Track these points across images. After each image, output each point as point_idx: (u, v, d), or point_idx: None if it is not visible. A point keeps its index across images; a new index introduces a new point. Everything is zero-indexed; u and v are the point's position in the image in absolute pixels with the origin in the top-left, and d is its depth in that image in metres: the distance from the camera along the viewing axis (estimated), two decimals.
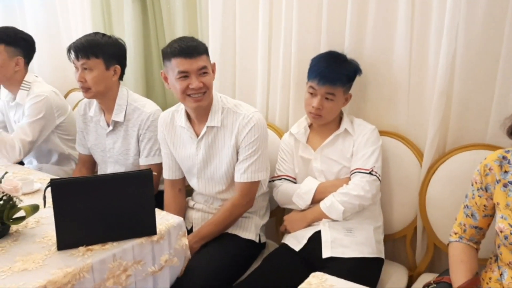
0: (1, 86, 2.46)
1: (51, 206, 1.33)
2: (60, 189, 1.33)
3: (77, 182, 1.37)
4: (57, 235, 1.35)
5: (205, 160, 1.83)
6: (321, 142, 1.89)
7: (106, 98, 2.08)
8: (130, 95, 2.14)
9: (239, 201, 1.80)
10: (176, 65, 1.68)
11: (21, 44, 2.29)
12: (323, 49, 1.96)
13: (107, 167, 2.22)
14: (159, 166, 2.12)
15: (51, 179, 1.33)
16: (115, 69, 2.05)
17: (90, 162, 2.33)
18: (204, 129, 1.79)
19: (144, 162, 2.10)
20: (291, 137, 1.96)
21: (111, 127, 2.11)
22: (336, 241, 1.70)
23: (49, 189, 1.32)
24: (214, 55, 2.22)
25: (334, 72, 1.77)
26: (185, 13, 2.38)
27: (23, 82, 2.33)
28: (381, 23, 1.85)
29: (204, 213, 1.92)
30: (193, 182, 1.92)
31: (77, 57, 1.98)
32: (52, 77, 3.04)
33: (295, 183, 1.93)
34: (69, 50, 2.01)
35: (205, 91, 1.72)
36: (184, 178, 1.98)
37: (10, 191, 1.39)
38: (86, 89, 2.02)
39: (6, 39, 2.23)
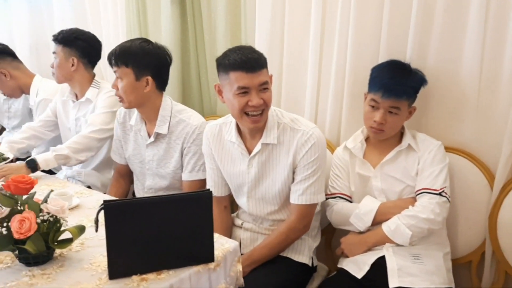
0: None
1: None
2: (114, 212, 1.20)
3: (133, 204, 1.23)
4: (109, 263, 1.22)
5: (257, 178, 1.68)
6: (379, 158, 1.75)
7: (145, 108, 1.97)
8: (174, 105, 2.01)
9: (296, 225, 1.66)
10: (235, 79, 1.53)
11: (77, 45, 2.26)
12: (382, 57, 1.82)
13: (145, 179, 2.09)
14: (203, 182, 1.99)
15: (104, 201, 1.20)
16: (147, 80, 1.89)
17: (127, 173, 2.21)
18: (259, 146, 1.64)
19: (188, 177, 1.97)
20: (345, 151, 1.82)
21: (152, 139, 1.98)
22: (403, 269, 1.55)
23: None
24: None
25: (399, 84, 1.63)
26: (227, 18, 2.24)
27: (94, 81, 2.33)
28: (449, 28, 1.70)
29: (253, 233, 1.77)
30: (241, 201, 1.78)
31: (110, 64, 1.91)
32: None
33: (350, 202, 1.79)
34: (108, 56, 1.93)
35: (264, 108, 1.57)
36: (230, 195, 1.84)
37: (57, 212, 1.27)
38: (120, 98, 1.94)
39: (63, 40, 2.25)
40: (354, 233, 1.74)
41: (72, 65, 2.26)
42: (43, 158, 2.05)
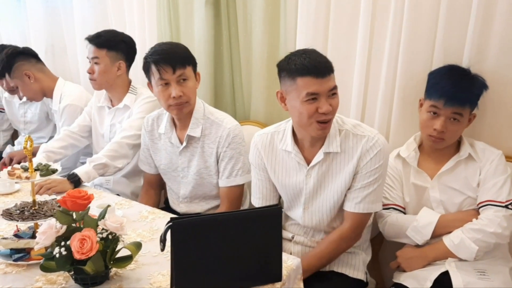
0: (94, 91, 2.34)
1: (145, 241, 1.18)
2: (181, 230, 1.12)
3: (201, 222, 1.15)
4: (175, 283, 1.13)
5: (315, 189, 1.59)
6: (436, 168, 1.67)
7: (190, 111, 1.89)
8: (206, 107, 1.94)
9: (349, 234, 1.57)
10: (303, 85, 1.43)
11: (122, 47, 2.16)
12: (436, 62, 1.74)
13: (179, 188, 2.00)
14: (242, 188, 1.92)
15: (171, 218, 1.11)
16: (198, 75, 1.88)
17: (157, 182, 2.12)
18: (320, 155, 1.54)
19: (226, 183, 1.89)
20: (398, 160, 1.74)
21: (184, 143, 1.90)
22: (469, 286, 1.47)
23: None
24: None
25: (463, 91, 1.56)
26: (265, 19, 2.13)
27: (131, 87, 2.23)
28: (510, 31, 1.62)
29: (304, 246, 1.68)
30: (296, 213, 1.67)
31: (173, 70, 1.74)
32: None
33: (404, 213, 1.71)
34: (156, 63, 1.75)
35: (332, 116, 1.48)
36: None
37: (116, 229, 1.18)
38: (182, 104, 1.79)
39: (107, 43, 2.13)
40: (411, 246, 1.66)
41: (118, 69, 2.16)
42: (83, 170, 1.96)
